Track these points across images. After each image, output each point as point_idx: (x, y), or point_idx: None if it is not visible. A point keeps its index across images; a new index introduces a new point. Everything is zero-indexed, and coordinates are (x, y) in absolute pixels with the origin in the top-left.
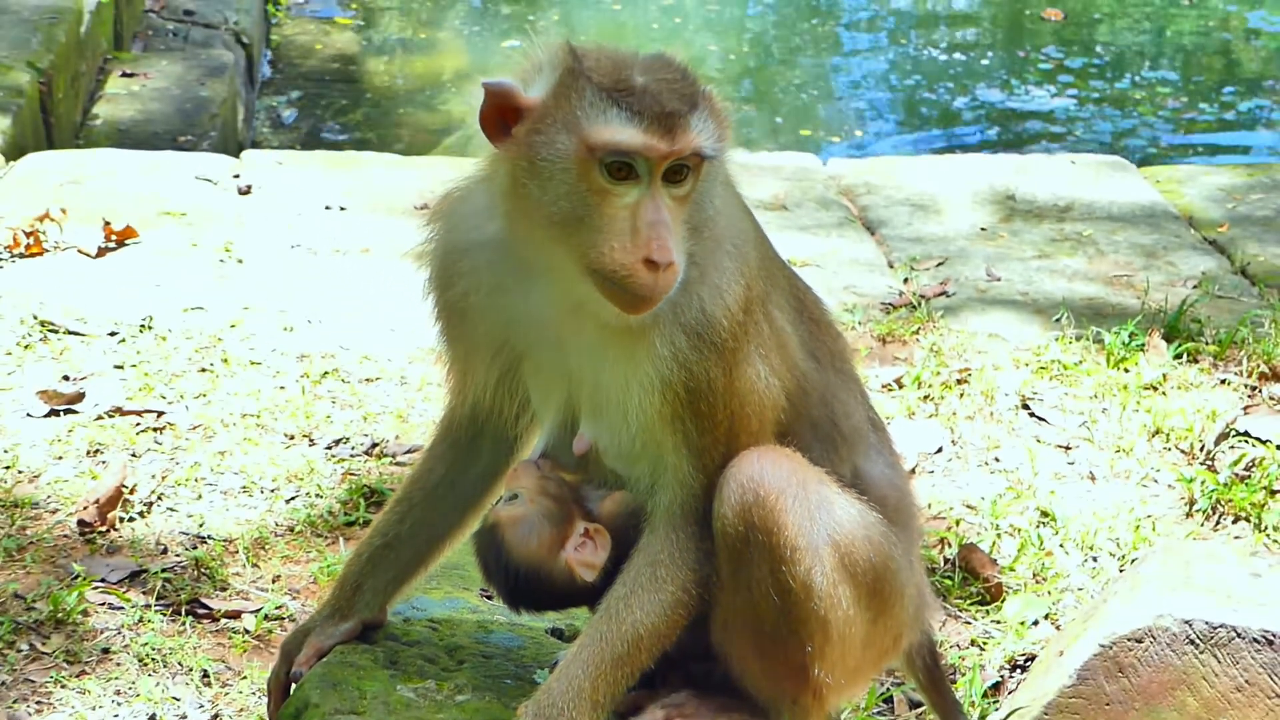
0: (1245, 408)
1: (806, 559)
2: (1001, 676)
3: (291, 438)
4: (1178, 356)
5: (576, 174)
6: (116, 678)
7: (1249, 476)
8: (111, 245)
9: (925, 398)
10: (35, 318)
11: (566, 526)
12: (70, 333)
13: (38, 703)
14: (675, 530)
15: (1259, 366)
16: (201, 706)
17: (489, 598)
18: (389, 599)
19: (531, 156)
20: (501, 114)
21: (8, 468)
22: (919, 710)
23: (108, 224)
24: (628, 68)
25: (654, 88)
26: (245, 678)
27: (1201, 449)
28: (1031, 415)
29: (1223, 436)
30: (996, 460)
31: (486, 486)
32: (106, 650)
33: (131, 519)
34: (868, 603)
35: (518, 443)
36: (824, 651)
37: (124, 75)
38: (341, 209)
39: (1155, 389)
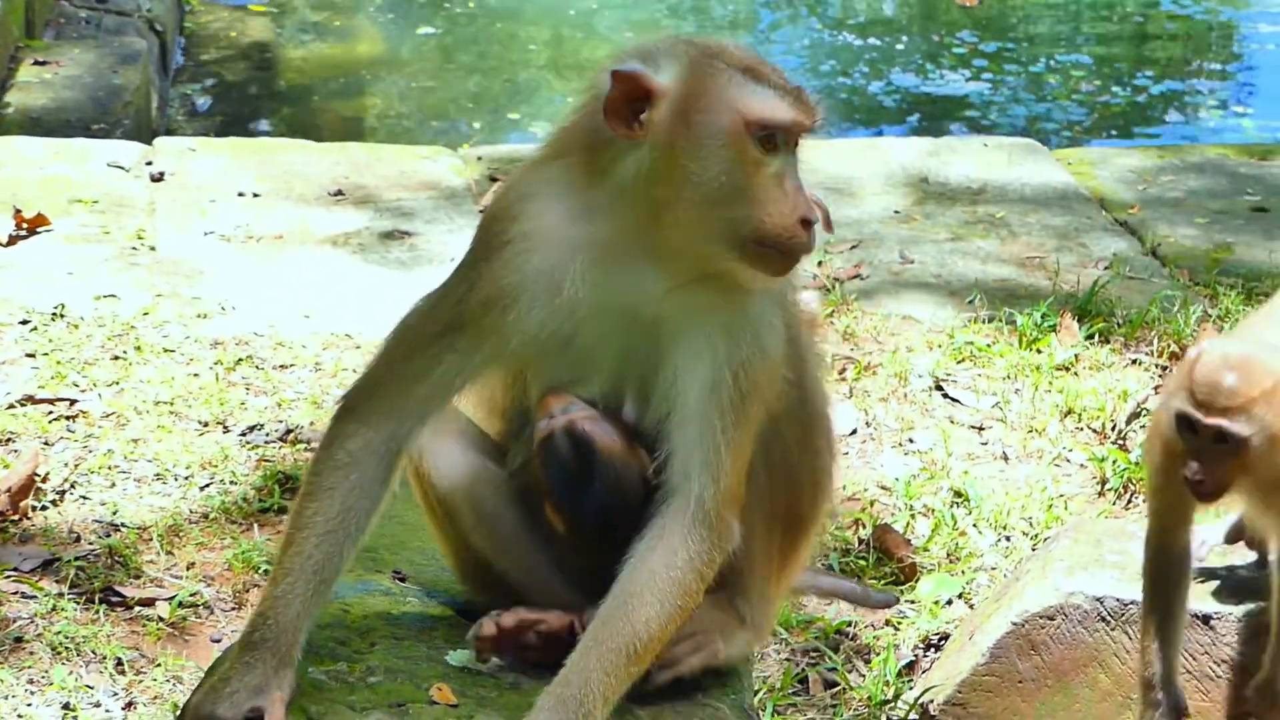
0: (1156, 387)
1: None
2: (916, 656)
3: (205, 425)
4: (1089, 337)
5: (734, 149)
6: (29, 666)
7: None
8: (22, 233)
9: (839, 380)
10: None
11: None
12: None
13: None
14: (698, 528)
15: (1169, 346)
16: (116, 695)
17: (402, 579)
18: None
19: (688, 137)
20: (630, 101)
21: None
22: (834, 690)
23: (18, 212)
24: (742, 49)
25: (777, 69)
26: (159, 665)
27: (1113, 428)
28: (945, 396)
29: (1134, 416)
30: (910, 441)
31: (395, 467)
32: (19, 639)
33: (44, 507)
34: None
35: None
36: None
37: (36, 63)
38: (255, 196)
39: (1067, 369)
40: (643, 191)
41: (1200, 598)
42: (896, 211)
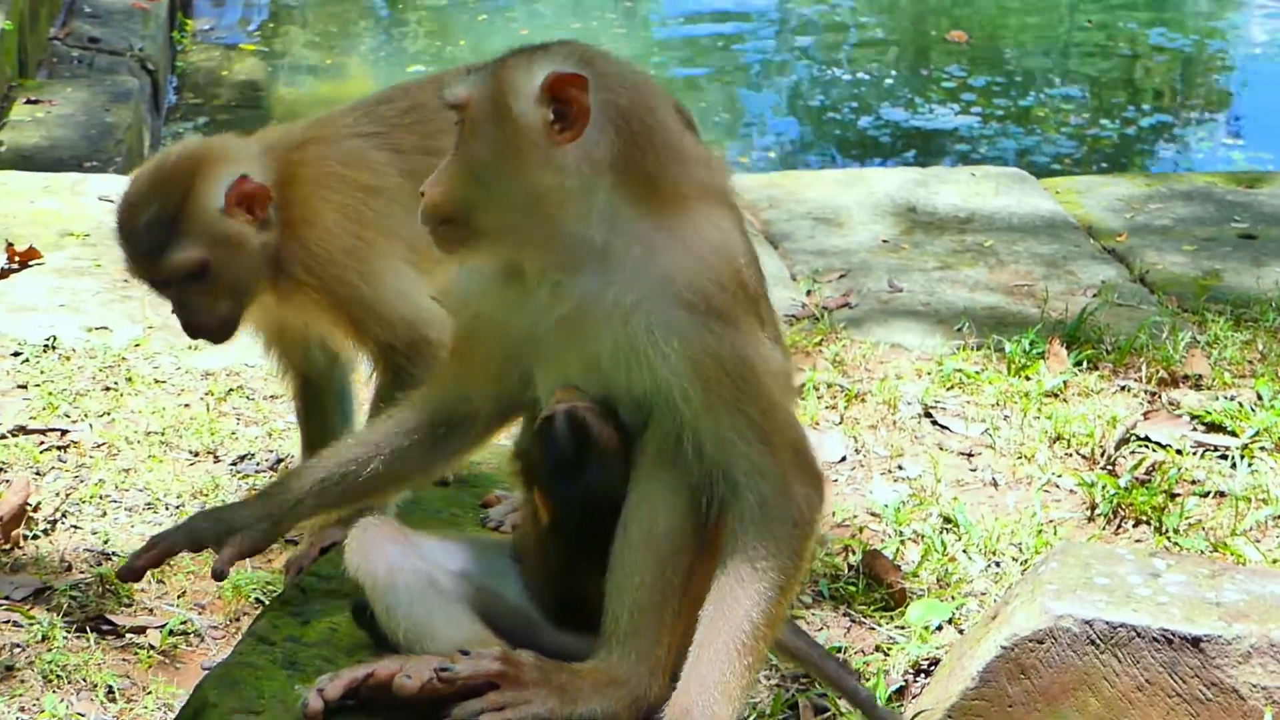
0: (1145, 413)
1: None
2: (905, 681)
3: (196, 454)
4: (1078, 364)
5: None
6: (20, 694)
7: (1149, 480)
8: (14, 266)
9: (829, 408)
10: None
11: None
12: None
13: None
14: (768, 524)
15: (1158, 372)
16: None
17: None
18: (312, 521)
19: None
20: None
21: None
22: (824, 716)
23: (10, 245)
24: None
25: None
26: (150, 693)
27: (1102, 454)
28: (934, 423)
29: (1123, 442)
30: (900, 468)
31: (449, 462)
32: (10, 667)
33: (36, 537)
34: None
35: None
36: None
37: (29, 102)
38: None
39: (1056, 396)
40: None
41: (1190, 619)
42: (885, 240)
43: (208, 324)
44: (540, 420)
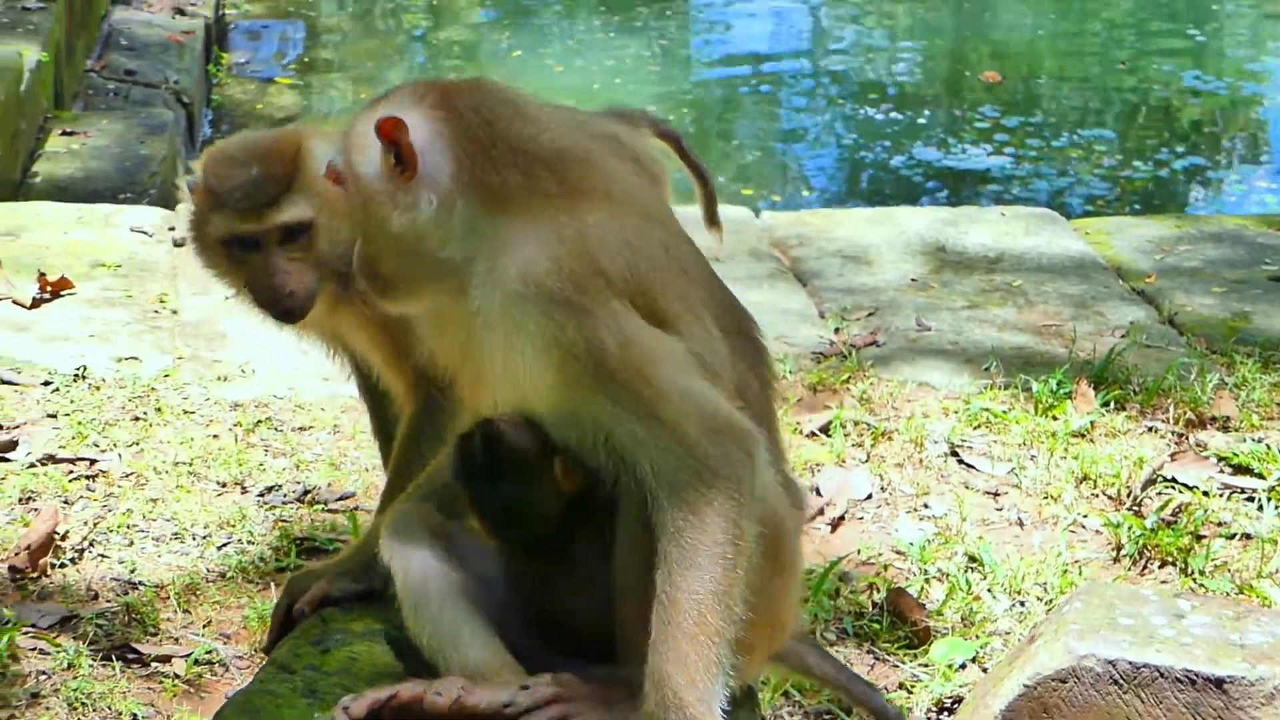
0: (1172, 454)
1: None
2: (929, 719)
3: (224, 485)
4: (1105, 404)
5: None
6: None
7: (1175, 522)
8: (46, 296)
9: (856, 445)
10: None
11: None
12: (4, 382)
13: None
14: (683, 500)
15: (1185, 414)
16: None
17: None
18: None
19: None
20: None
21: None
22: None
23: (43, 275)
24: None
25: None
26: None
27: (1128, 495)
28: (960, 462)
29: (1149, 483)
30: (925, 507)
31: None
32: (36, 695)
33: (63, 565)
34: None
35: None
36: None
37: (64, 134)
38: None
39: (1083, 436)
40: None
41: (1214, 661)
42: (913, 279)
43: (291, 290)
44: (460, 435)
